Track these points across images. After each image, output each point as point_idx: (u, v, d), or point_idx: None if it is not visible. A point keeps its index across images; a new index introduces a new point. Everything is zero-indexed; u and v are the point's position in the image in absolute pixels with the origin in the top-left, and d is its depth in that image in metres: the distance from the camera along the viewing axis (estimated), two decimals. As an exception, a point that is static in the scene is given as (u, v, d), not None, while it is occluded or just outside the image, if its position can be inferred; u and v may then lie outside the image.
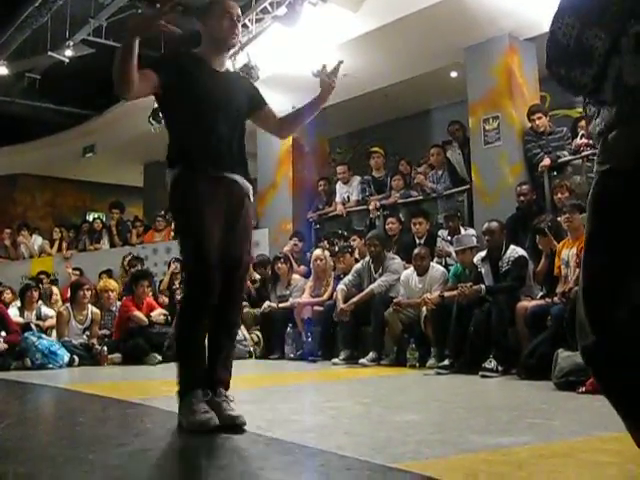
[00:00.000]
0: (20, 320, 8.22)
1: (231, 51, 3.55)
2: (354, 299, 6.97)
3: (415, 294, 6.63)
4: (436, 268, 6.80)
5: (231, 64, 8.51)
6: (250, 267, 4.27)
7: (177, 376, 3.06)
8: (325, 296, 7.70)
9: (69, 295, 8.39)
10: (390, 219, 8.18)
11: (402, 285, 6.87)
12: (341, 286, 7.25)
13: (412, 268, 6.85)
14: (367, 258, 7.35)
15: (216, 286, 3.03)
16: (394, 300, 6.67)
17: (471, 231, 7.30)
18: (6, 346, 7.12)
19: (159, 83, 3.11)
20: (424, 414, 3.53)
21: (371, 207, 8.88)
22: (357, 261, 7.68)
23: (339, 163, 10.61)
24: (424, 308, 6.32)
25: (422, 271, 6.73)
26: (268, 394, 4.66)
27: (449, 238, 7.38)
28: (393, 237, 7.97)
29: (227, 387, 3.16)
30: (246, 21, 8.39)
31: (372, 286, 7.00)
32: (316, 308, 7.65)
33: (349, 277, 7.33)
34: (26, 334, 7.39)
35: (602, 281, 1.69)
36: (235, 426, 2.91)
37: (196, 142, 3.16)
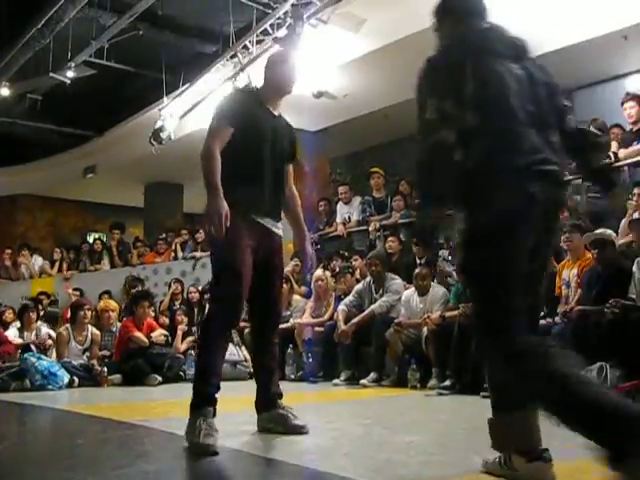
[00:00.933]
0: (19, 341, 8.20)
1: (285, 96, 3.78)
2: (355, 320, 6.95)
3: (416, 314, 6.62)
4: (437, 288, 6.79)
5: (231, 85, 8.57)
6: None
7: (193, 389, 3.24)
8: (326, 317, 7.67)
9: (69, 316, 8.37)
10: (390, 238, 8.19)
11: (403, 305, 6.86)
12: (342, 307, 7.24)
13: (413, 288, 6.84)
14: (368, 278, 7.35)
15: (242, 310, 3.46)
16: (395, 320, 6.66)
17: (472, 251, 7.29)
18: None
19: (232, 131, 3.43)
20: (425, 435, 3.51)
21: (370, 228, 8.88)
22: (358, 281, 7.67)
23: (340, 183, 10.63)
24: (425, 328, 6.30)
25: (423, 291, 6.72)
26: (269, 415, 4.63)
27: (450, 258, 7.38)
28: (393, 256, 7.96)
29: (281, 397, 3.60)
30: (247, 42, 8.46)
31: (373, 307, 6.99)
32: (317, 329, 7.63)
33: (350, 298, 7.32)
34: (26, 355, 7.37)
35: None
36: (301, 434, 3.40)
37: (243, 182, 3.42)
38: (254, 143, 3.47)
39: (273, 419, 3.48)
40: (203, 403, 3.16)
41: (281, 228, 3.70)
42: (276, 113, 3.70)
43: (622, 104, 6.95)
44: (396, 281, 7.20)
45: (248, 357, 8.13)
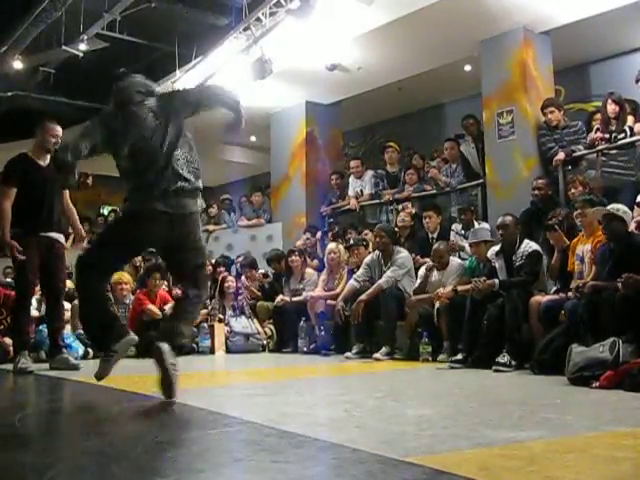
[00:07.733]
0: (36, 314, 8.25)
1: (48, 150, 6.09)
2: (362, 297, 6.89)
3: (434, 287, 6.60)
4: (453, 260, 6.77)
5: (244, 58, 8.53)
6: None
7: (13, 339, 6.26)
8: (338, 290, 7.68)
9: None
10: (404, 212, 8.19)
11: (420, 278, 6.83)
12: (352, 282, 7.21)
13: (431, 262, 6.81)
14: (377, 251, 7.32)
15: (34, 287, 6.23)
16: (409, 298, 6.70)
17: (485, 225, 7.27)
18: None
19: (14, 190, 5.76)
20: (437, 408, 3.53)
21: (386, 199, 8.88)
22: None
23: (352, 157, 10.60)
24: (437, 302, 6.30)
25: (442, 267, 6.70)
26: (281, 387, 4.68)
27: (463, 232, 7.36)
28: (404, 230, 7.94)
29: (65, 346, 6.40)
30: (260, 14, 8.38)
31: (380, 281, 6.96)
32: (329, 302, 7.65)
33: (360, 271, 7.27)
34: (40, 327, 7.42)
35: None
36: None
37: (29, 215, 5.80)
38: (29, 190, 5.75)
39: (57, 361, 5.93)
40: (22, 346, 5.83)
41: (61, 236, 6.35)
42: (44, 164, 5.99)
43: (637, 81, 6.88)
44: (402, 254, 7.15)
45: (261, 330, 8.20)
